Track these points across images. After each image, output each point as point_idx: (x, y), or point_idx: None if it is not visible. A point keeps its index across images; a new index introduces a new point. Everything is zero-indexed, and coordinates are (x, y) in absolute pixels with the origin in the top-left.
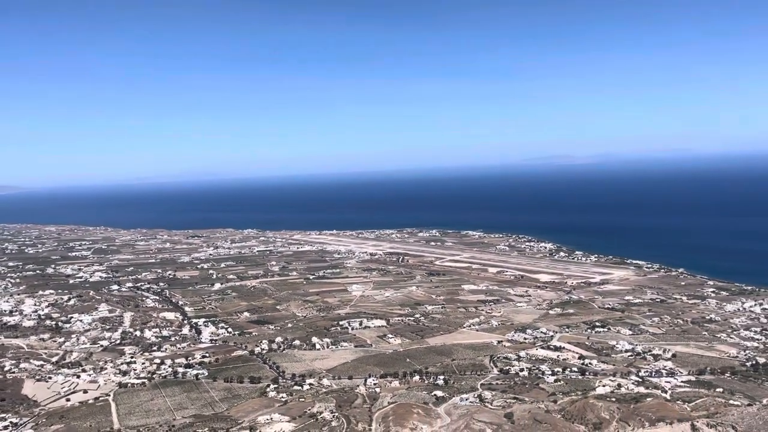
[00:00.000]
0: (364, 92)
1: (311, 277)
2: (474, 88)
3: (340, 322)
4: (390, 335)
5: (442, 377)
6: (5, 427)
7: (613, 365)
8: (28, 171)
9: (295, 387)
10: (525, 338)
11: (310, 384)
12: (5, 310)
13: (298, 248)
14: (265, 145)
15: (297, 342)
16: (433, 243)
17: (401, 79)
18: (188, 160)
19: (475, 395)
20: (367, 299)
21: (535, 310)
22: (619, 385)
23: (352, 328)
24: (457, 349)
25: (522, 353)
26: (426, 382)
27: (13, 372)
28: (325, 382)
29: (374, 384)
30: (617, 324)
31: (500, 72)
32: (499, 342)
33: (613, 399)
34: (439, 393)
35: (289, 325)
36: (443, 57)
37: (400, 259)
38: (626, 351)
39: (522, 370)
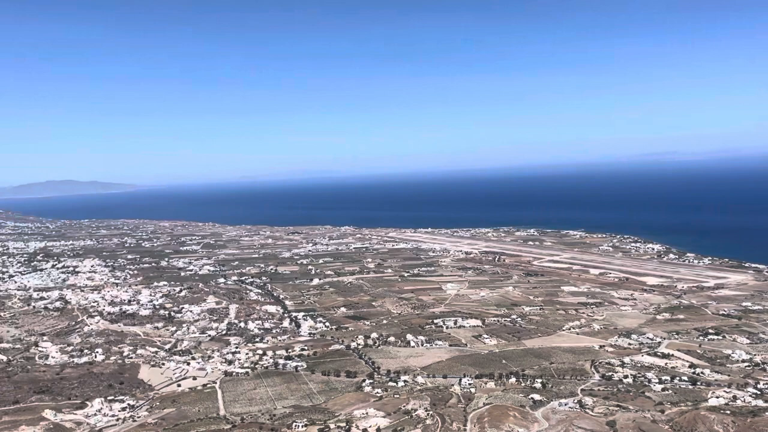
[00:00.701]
0: (485, 88)
1: (406, 274)
2: (583, 80)
3: (435, 321)
4: (485, 335)
5: (539, 380)
6: (123, 408)
7: (728, 376)
8: (145, 170)
9: (390, 383)
10: (629, 343)
11: (404, 381)
12: (125, 300)
13: (393, 246)
14: (374, 143)
15: (392, 339)
16: (531, 242)
17: (527, 74)
18: (290, 160)
19: (575, 401)
20: (462, 298)
21: (640, 315)
22: (735, 398)
23: (447, 327)
24: (555, 352)
25: (626, 359)
26: (523, 384)
27: (131, 357)
28: (420, 379)
29: (469, 384)
30: (733, 332)
31: (608, 64)
32: (600, 347)
33: (728, 412)
34: (537, 396)
35: (384, 321)
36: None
37: (497, 259)
38: (743, 361)
39: (626, 376)
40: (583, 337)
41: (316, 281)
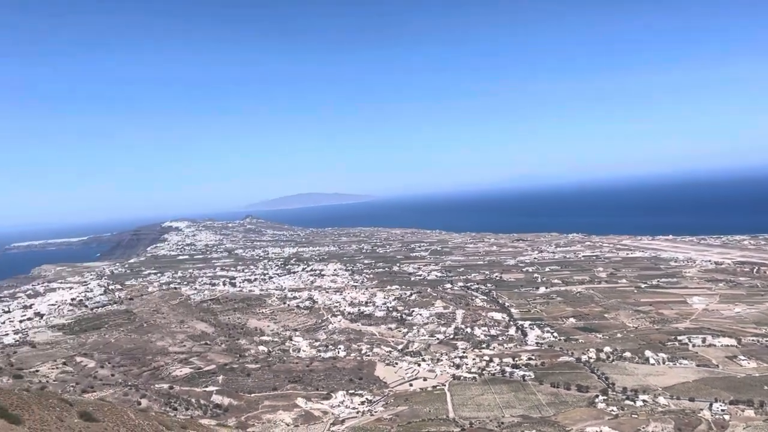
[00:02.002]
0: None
1: (643, 285)
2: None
3: (678, 337)
4: (742, 357)
5: None
6: (362, 402)
7: None
8: (379, 182)
9: (627, 401)
10: None
11: (643, 400)
12: (362, 301)
13: (627, 254)
14: (602, 147)
15: (627, 354)
16: None
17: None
18: (511, 165)
19: None
20: (712, 314)
21: None
22: None
23: (693, 345)
24: None
25: None
26: None
27: (368, 355)
28: (661, 400)
29: (722, 410)
30: None
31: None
32: None
33: None
34: None
35: (618, 335)
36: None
37: (755, 270)
38: None
39: None
40: None
41: (542, 290)
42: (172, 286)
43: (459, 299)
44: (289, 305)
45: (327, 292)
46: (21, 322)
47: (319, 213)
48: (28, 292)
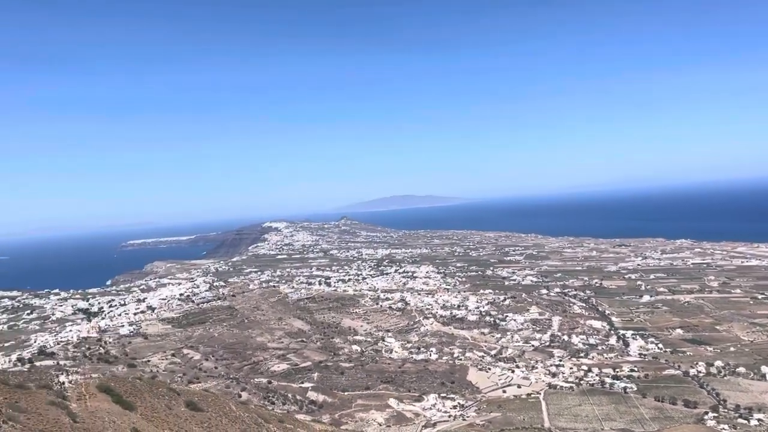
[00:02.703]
0: None
1: (760, 296)
2: None
3: None
4: None
5: None
6: (454, 406)
7: None
8: (472, 184)
9: (740, 420)
10: None
11: (758, 420)
12: (454, 305)
13: (742, 262)
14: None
15: (741, 369)
16: None
17: None
18: (613, 168)
19: None
20: None
21: None
22: None
23: None
24: None
25: None
26: None
27: (460, 359)
28: None
29: None
30: None
31: None
32: None
33: None
34: None
35: (732, 348)
36: None
37: None
38: None
39: None
40: None
41: (646, 298)
42: (271, 284)
43: (555, 305)
44: (381, 306)
45: (419, 294)
46: (135, 314)
47: (412, 215)
48: (141, 287)
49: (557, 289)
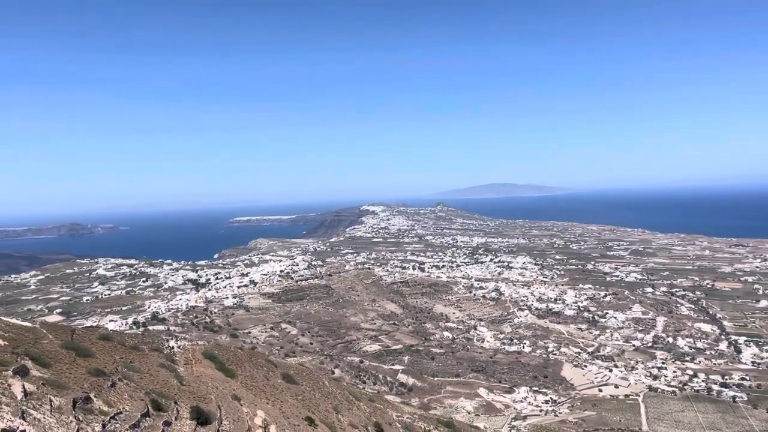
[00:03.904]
0: None
1: None
2: None
3: None
4: None
5: None
6: (546, 401)
7: None
8: (577, 174)
9: None
10: None
11: None
12: (551, 298)
13: None
14: None
15: None
16: None
17: None
18: (728, 163)
19: None
20: None
21: None
22: None
23: None
24: None
25: None
26: None
27: (555, 354)
28: None
29: None
30: None
31: None
32: None
33: None
34: None
35: None
36: None
37: None
38: None
39: None
40: None
41: (763, 303)
42: (366, 266)
43: (661, 305)
44: (474, 294)
45: (514, 284)
46: (238, 287)
47: (510, 204)
48: (245, 262)
49: (664, 288)
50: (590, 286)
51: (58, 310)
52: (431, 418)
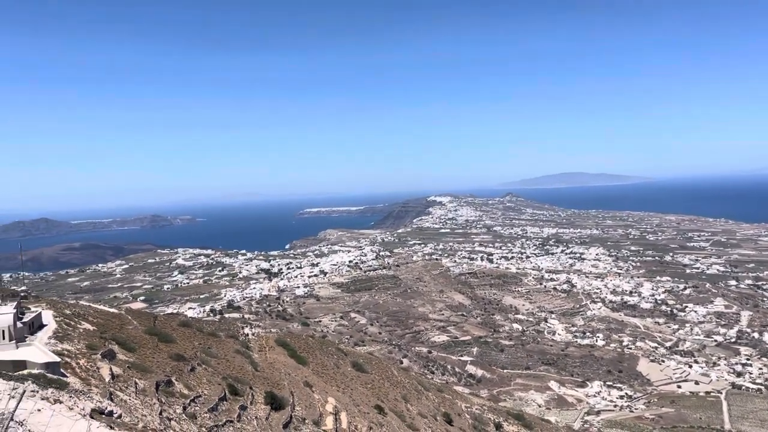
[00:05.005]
0: None
1: None
2: None
3: None
4: None
5: None
6: (621, 396)
7: None
8: (653, 162)
9: None
10: None
11: None
12: (626, 290)
13: None
14: None
15: None
16: None
17: None
18: None
19: None
20: None
21: None
22: None
23: None
24: None
25: None
26: None
27: (630, 348)
28: None
29: None
30: None
31: None
32: None
33: None
34: None
35: None
36: None
37: None
38: None
39: None
40: None
41: None
42: (433, 257)
43: (745, 299)
44: (545, 286)
45: (587, 276)
46: (309, 277)
47: (582, 194)
48: (315, 252)
49: (749, 281)
50: (668, 278)
51: (142, 298)
52: (501, 410)
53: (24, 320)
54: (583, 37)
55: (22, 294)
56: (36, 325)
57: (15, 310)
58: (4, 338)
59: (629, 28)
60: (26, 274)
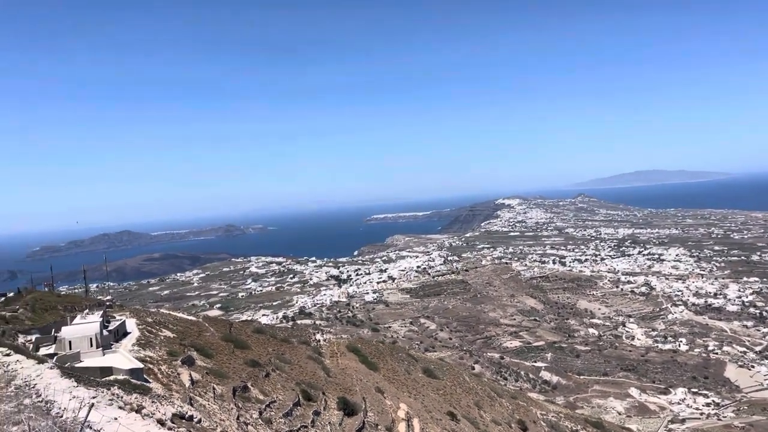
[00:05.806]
0: None
1: None
2: None
3: None
4: None
5: None
6: (707, 404)
7: None
8: (732, 156)
9: None
10: None
11: None
12: (710, 292)
13: None
14: None
15: None
16: None
17: None
18: None
19: None
20: None
21: None
22: None
23: None
24: None
25: None
26: None
27: (716, 353)
28: None
29: None
30: None
31: None
32: None
33: None
34: None
35: None
36: None
37: None
38: None
39: None
40: None
41: None
42: (503, 260)
43: None
44: (622, 289)
45: (667, 278)
46: (378, 283)
47: (659, 192)
48: (383, 258)
49: None
50: (756, 279)
51: (218, 305)
52: (578, 417)
53: (110, 328)
54: (649, 33)
55: (107, 303)
56: (120, 333)
57: (101, 319)
58: (91, 345)
59: (708, 27)
60: (111, 284)
